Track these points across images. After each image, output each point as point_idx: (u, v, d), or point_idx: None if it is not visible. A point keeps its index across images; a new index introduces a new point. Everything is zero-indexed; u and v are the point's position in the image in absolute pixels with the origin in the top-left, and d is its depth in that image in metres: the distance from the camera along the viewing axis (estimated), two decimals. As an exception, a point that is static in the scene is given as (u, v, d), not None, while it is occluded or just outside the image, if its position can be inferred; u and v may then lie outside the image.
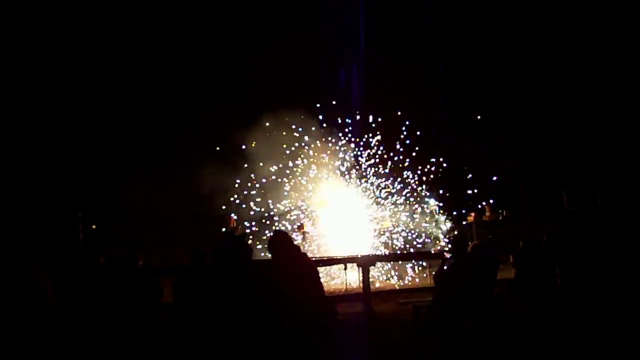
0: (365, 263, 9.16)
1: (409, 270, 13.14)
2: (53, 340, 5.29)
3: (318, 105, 14.52)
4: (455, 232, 13.26)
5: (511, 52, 20.02)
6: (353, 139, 14.63)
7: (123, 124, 16.22)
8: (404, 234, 13.94)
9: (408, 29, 19.91)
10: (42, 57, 15.43)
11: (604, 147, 18.72)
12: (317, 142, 14.22)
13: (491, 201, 15.32)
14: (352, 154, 14.48)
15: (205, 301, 4.66)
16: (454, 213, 14.86)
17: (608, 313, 4.40)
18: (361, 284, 9.34)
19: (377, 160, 14.54)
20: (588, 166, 18.77)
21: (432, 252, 12.46)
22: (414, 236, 14.00)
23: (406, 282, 12.68)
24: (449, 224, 14.33)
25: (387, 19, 20.18)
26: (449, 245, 11.44)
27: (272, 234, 4.93)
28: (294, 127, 14.12)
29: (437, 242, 14.00)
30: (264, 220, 13.88)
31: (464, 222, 14.94)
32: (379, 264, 12.48)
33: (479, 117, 20.73)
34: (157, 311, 6.28)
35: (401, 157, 14.78)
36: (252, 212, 13.99)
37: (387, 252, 13.43)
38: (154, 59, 15.72)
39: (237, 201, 14.04)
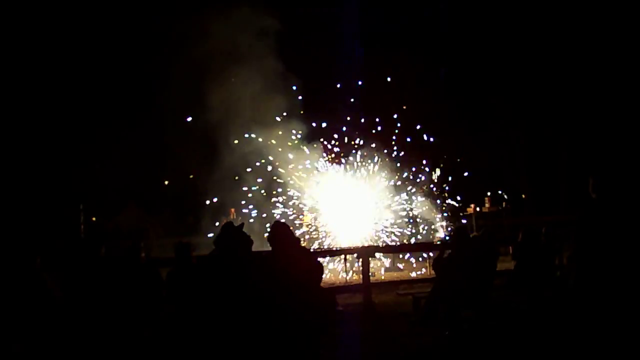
0: (365, 254, 9.18)
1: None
2: (56, 332, 5.32)
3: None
4: (456, 224, 13.28)
5: (514, 45, 20.00)
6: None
7: (124, 119, 16.25)
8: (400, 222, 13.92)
9: (411, 22, 19.89)
10: (43, 56, 15.43)
11: (604, 138, 18.71)
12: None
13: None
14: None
15: (202, 293, 4.68)
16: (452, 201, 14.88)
17: (618, 307, 4.34)
18: (361, 275, 9.36)
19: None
20: (589, 158, 18.76)
21: (433, 242, 12.47)
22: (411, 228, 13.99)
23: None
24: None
25: (390, 13, 20.13)
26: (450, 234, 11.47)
27: (272, 225, 4.92)
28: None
29: (434, 231, 13.99)
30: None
31: (463, 214, 14.97)
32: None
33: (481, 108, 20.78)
34: (159, 303, 6.30)
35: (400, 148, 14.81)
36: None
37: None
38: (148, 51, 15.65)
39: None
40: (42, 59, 15.65)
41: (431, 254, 11.28)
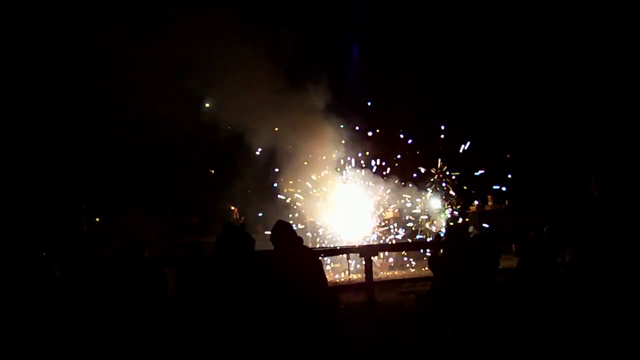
0: (367, 253, 9.19)
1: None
2: (60, 330, 5.36)
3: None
4: (452, 223, 13.28)
5: (514, 45, 20.00)
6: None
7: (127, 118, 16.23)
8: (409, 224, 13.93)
9: (410, 26, 19.88)
10: (49, 61, 15.41)
11: (606, 138, 18.68)
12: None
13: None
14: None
15: (206, 292, 4.70)
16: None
17: (619, 304, 4.34)
18: (364, 274, 9.38)
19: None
20: (591, 157, 18.73)
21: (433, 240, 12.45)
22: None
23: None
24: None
25: (389, 17, 20.12)
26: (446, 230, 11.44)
27: (275, 224, 4.94)
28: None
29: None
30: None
31: (466, 211, 14.96)
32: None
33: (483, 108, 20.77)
34: (162, 303, 6.31)
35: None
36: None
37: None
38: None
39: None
40: (48, 64, 15.65)
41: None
